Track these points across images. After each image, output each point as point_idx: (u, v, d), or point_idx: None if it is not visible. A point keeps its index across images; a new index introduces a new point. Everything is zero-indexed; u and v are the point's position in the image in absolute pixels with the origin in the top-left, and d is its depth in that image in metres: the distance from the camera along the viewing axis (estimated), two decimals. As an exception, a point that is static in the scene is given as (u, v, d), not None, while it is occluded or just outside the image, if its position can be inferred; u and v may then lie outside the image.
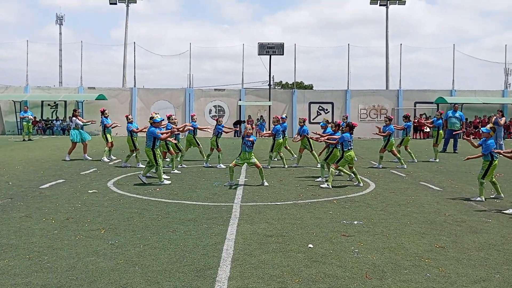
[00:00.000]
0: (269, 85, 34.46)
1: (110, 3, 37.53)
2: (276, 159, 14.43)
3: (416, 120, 31.07)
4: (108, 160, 14.30)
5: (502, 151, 8.51)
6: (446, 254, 5.26)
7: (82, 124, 14.97)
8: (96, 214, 7.13)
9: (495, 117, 18.26)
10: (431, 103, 32.52)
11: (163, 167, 11.22)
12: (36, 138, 26.87)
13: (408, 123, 14.97)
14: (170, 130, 11.14)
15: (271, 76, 34.60)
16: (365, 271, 4.67)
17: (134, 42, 35.99)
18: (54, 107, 33.59)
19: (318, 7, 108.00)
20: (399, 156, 13.57)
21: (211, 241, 5.67)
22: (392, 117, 14.78)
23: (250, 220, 6.79)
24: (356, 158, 14.22)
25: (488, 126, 8.77)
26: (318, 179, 10.83)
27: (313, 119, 32.82)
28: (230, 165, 10.11)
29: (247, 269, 4.69)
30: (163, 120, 11.42)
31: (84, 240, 5.68)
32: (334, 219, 6.95)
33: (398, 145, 14.59)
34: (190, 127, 13.71)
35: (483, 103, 31.84)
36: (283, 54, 33.49)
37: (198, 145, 13.93)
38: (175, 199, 8.37)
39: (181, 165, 13.05)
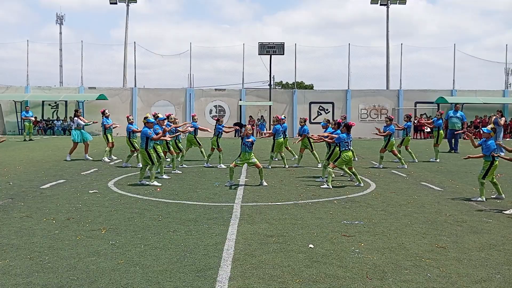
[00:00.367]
0: (270, 85, 34.47)
1: (110, 3, 37.52)
2: (276, 159, 14.43)
3: (416, 120, 31.07)
4: (109, 160, 14.30)
5: (502, 155, 8.52)
6: (447, 254, 5.26)
7: (84, 124, 14.94)
8: (96, 214, 7.14)
9: (494, 117, 18.25)
10: (432, 103, 32.50)
11: (164, 167, 11.25)
12: (37, 138, 26.89)
13: (408, 123, 14.99)
14: (161, 132, 10.85)
15: (272, 76, 34.63)
16: (365, 271, 4.67)
17: (135, 42, 36.00)
18: (55, 107, 33.61)
19: (318, 6, 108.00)
20: (400, 156, 13.57)
21: (212, 241, 5.67)
22: (392, 117, 14.77)
23: (251, 220, 6.79)
24: (356, 158, 14.23)
25: (489, 126, 8.76)
26: (318, 179, 10.83)
27: (313, 119, 32.81)
28: (231, 165, 10.12)
29: (248, 269, 4.69)
30: (165, 119, 11.42)
31: (84, 240, 5.68)
32: (335, 219, 6.95)
33: (398, 145, 14.61)
34: (191, 128, 13.73)
35: (484, 103, 31.81)
36: (283, 54, 33.49)
37: (200, 145, 13.95)
38: (175, 199, 8.38)
39: (182, 165, 13.06)
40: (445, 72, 61.43)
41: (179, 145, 12.86)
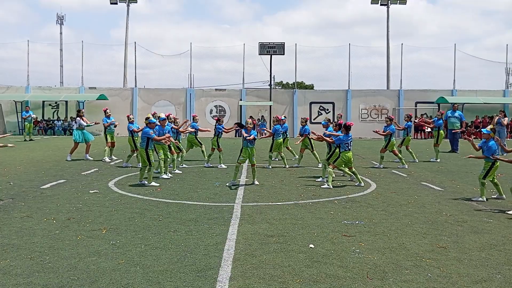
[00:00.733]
0: (270, 85, 34.47)
1: (111, 3, 37.53)
2: (277, 159, 14.43)
3: (417, 120, 31.06)
4: (109, 160, 14.31)
5: (502, 157, 8.52)
6: (447, 254, 5.26)
7: (86, 125, 14.90)
8: (97, 214, 7.14)
9: (497, 117, 18.24)
10: (432, 103, 32.49)
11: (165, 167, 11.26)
12: (37, 138, 26.90)
13: (409, 123, 14.98)
14: (167, 134, 10.90)
15: (272, 76, 34.62)
16: (366, 271, 4.67)
17: (135, 42, 36.00)
18: (55, 107, 33.63)
19: (318, 6, 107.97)
20: (400, 156, 13.57)
21: (212, 241, 5.67)
22: (393, 117, 14.75)
23: (251, 220, 6.79)
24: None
25: (489, 127, 8.75)
26: (319, 179, 10.83)
27: (314, 119, 32.80)
28: (236, 164, 10.26)
29: (248, 269, 4.69)
30: (164, 119, 11.39)
31: (85, 240, 5.68)
32: (335, 219, 6.95)
33: (399, 145, 14.62)
34: (191, 128, 13.75)
35: (484, 103, 31.80)
36: (283, 54, 33.48)
37: (201, 144, 13.97)
38: (176, 199, 8.38)
39: (182, 165, 13.06)
40: (446, 72, 61.31)
41: (179, 145, 12.88)
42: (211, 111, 33.60)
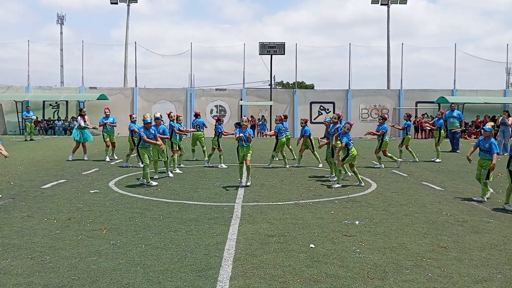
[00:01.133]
0: (270, 85, 34.47)
1: (111, 3, 37.55)
2: (277, 158, 14.43)
3: (417, 120, 31.06)
4: (109, 160, 14.30)
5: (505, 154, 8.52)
6: (448, 254, 5.26)
7: (83, 125, 14.76)
8: (97, 214, 7.14)
9: (502, 118, 18.24)
10: (433, 102, 32.49)
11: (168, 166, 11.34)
12: (37, 138, 26.90)
13: (408, 122, 14.96)
14: (157, 142, 10.30)
15: (272, 76, 34.63)
16: (366, 271, 4.67)
17: (135, 42, 36.03)
18: (56, 107, 33.64)
19: (319, 6, 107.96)
20: (390, 155, 13.50)
21: (213, 241, 5.67)
22: (386, 116, 14.71)
23: (252, 220, 6.79)
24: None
25: (489, 124, 8.70)
26: (331, 178, 10.78)
27: (314, 119, 32.81)
28: (239, 164, 10.11)
29: (249, 269, 4.69)
30: (159, 119, 10.85)
31: (85, 240, 5.68)
32: (336, 219, 6.94)
33: (399, 145, 14.63)
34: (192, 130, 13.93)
35: (485, 103, 31.78)
36: (284, 54, 33.49)
37: (203, 145, 14.12)
38: (176, 199, 8.38)
39: (180, 164, 13.08)
40: (446, 72, 61.29)
41: (180, 144, 12.92)
42: (211, 111, 33.61)
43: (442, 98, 31.84)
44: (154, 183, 9.89)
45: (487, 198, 8.46)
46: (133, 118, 13.64)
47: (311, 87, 53.31)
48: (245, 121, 10.01)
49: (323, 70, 71.43)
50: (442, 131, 15.89)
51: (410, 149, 14.85)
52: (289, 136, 14.53)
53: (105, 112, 14.86)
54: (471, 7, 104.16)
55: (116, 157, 14.94)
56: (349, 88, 34.01)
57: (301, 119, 14.06)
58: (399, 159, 13.44)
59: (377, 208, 7.77)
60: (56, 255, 5.10)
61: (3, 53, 74.46)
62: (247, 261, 4.94)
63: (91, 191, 9.10)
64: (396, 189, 9.71)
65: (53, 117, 33.53)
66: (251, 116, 32.70)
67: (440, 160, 15.07)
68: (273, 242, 5.65)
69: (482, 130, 8.84)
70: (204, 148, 14.27)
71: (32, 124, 24.47)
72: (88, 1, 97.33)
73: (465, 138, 14.91)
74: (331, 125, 11.62)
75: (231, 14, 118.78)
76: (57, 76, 43.69)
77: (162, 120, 11.80)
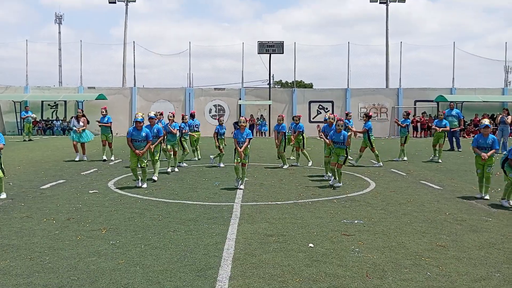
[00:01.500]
0: (269, 84, 34.47)
1: (109, 2, 37.48)
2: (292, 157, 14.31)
3: (419, 119, 31.08)
4: (105, 160, 14.26)
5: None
6: (447, 253, 5.27)
7: (74, 127, 14.46)
8: (97, 214, 7.15)
9: (501, 116, 18.26)
10: (431, 101, 32.51)
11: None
12: (36, 138, 26.87)
13: (407, 120, 14.90)
14: (138, 151, 9.62)
15: (271, 75, 34.62)
16: (365, 270, 4.69)
17: (134, 41, 35.97)
18: (54, 107, 33.60)
19: (318, 5, 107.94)
20: (362, 154, 13.60)
21: (212, 241, 5.68)
22: (370, 114, 14.74)
23: (251, 220, 6.80)
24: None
25: (487, 121, 8.74)
26: (328, 178, 10.65)
27: (313, 118, 32.83)
28: (235, 165, 9.54)
29: (248, 269, 4.70)
30: (153, 118, 10.54)
31: (85, 240, 5.69)
32: (335, 218, 6.96)
33: (402, 144, 14.70)
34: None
35: (483, 101, 31.82)
36: (283, 53, 33.46)
37: (196, 146, 14.22)
38: (175, 199, 8.39)
39: (180, 163, 13.09)
40: (445, 70, 61.56)
41: (184, 143, 13.03)
42: (210, 111, 33.61)
43: (440, 96, 31.86)
44: (145, 185, 9.61)
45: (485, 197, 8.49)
46: (185, 119, 13.64)
47: (310, 86, 53.32)
48: (243, 122, 9.59)
49: (322, 69, 71.42)
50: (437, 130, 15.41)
51: (403, 148, 14.84)
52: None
53: (101, 112, 14.83)
54: (471, 5, 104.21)
55: (112, 158, 14.74)
56: (348, 87, 34.02)
57: (294, 116, 13.96)
58: (379, 163, 13.38)
59: (376, 207, 7.79)
60: (55, 255, 5.10)
61: (1, 52, 74.44)
62: (246, 260, 4.95)
63: (90, 192, 9.10)
64: (394, 188, 9.73)
65: (52, 117, 33.48)
66: (251, 115, 32.71)
67: (440, 161, 14.87)
68: (272, 242, 5.66)
69: (480, 129, 8.84)
70: (195, 148, 14.54)
71: (31, 124, 24.43)
72: (87, 0, 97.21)
73: (464, 137, 14.92)
74: (325, 124, 11.57)
75: (230, 12, 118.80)
76: (56, 76, 43.64)
77: (160, 118, 11.75)
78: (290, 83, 47.69)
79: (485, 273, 4.64)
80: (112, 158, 14.77)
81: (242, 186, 9.48)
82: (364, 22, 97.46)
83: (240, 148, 9.35)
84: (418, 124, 31.25)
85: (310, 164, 13.38)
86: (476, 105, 32.09)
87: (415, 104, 33.16)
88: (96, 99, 31.71)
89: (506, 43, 34.42)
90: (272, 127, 13.47)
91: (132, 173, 10.06)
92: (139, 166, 9.69)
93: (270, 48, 32.95)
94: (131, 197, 8.60)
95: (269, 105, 32.87)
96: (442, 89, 33.38)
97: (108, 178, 10.88)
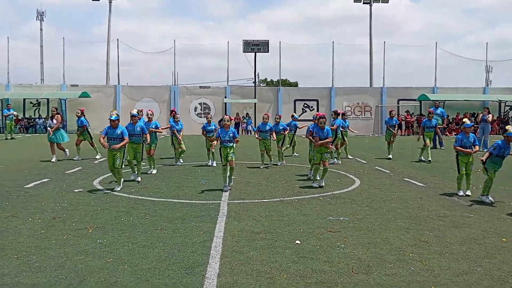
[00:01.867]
0: (254, 82, 34.51)
1: (93, 0, 37.05)
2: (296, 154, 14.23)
3: (403, 117, 31.46)
4: (77, 159, 14.02)
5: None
6: (429, 248, 5.41)
7: (49, 128, 14.16)
8: (83, 213, 7.11)
9: (482, 114, 18.61)
10: (414, 100, 32.97)
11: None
12: (18, 136, 26.44)
13: (393, 120, 15.12)
14: (108, 145, 9.20)
15: (257, 74, 34.66)
16: (351, 266, 4.78)
17: (118, 39, 35.57)
18: (37, 105, 33.10)
19: (302, 4, 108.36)
20: (340, 151, 13.82)
21: (200, 239, 5.71)
22: (340, 111, 14.84)
23: (238, 218, 6.85)
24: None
25: (467, 120, 9.03)
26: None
27: (299, 116, 32.97)
28: (223, 166, 9.23)
29: (236, 266, 4.76)
30: (135, 116, 10.34)
31: (72, 240, 5.67)
32: (321, 215, 7.05)
33: (389, 141, 14.97)
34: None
35: (465, 100, 32.40)
36: (268, 52, 33.51)
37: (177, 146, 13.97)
38: (162, 197, 8.39)
39: (180, 160, 13.29)
40: (427, 69, 62.26)
41: (174, 141, 13.10)
42: (195, 109, 33.50)
43: (423, 95, 32.33)
44: (118, 187, 9.19)
45: (466, 195, 8.68)
46: (144, 115, 13.31)
47: (295, 84, 53.54)
48: (227, 121, 9.28)
49: (307, 67, 71.82)
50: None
51: (392, 146, 15.10)
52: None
53: (76, 114, 14.69)
54: (453, 5, 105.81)
55: (97, 157, 14.56)
56: (333, 85, 34.27)
57: (276, 115, 14.05)
58: (339, 161, 13.57)
59: (360, 204, 7.91)
60: (42, 254, 5.08)
61: (-19, 50, 72.81)
62: (234, 258, 5.00)
63: (75, 190, 9.03)
64: (379, 185, 9.88)
65: (34, 115, 32.97)
66: (236, 114, 32.72)
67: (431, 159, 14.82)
68: (259, 239, 5.73)
69: (462, 127, 9.04)
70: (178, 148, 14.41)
71: (13, 122, 24.05)
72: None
73: (446, 135, 15.21)
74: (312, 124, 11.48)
75: (214, 10, 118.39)
76: (37, 73, 42.97)
77: (140, 117, 11.47)
78: (275, 81, 47.83)
79: (467, 268, 4.78)
80: (97, 156, 14.65)
81: (230, 184, 9.31)
82: (348, 22, 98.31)
83: (228, 146, 9.13)
84: (403, 123, 31.65)
85: (279, 163, 13.32)
86: (458, 104, 32.65)
87: (398, 103, 33.58)
88: (79, 97, 31.33)
89: (487, 43, 35.30)
90: (257, 126, 13.17)
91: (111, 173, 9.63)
92: (120, 165, 9.22)
93: (256, 46, 32.97)
94: (117, 195, 8.56)
95: (255, 103, 32.92)
96: (425, 88, 33.88)
97: (93, 177, 10.80)
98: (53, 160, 13.88)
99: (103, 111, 29.41)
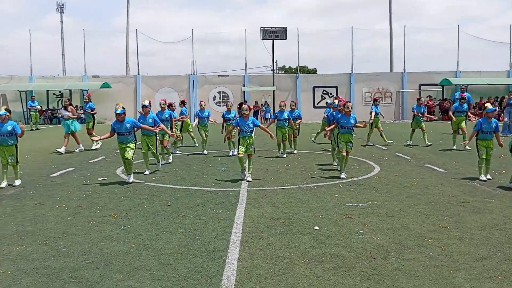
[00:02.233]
0: (273, 70, 34.40)
1: (112, -9, 37.31)
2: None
3: (426, 102, 30.98)
4: (79, 150, 14.05)
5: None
6: (449, 234, 5.40)
7: (66, 117, 14.09)
8: (107, 200, 7.32)
9: (507, 98, 18.21)
10: (436, 85, 32.36)
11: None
12: (43, 127, 27.10)
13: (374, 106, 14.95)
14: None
15: (275, 61, 34.53)
16: (369, 251, 4.83)
17: (136, 29, 35.85)
18: (60, 96, 33.77)
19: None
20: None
21: (220, 225, 5.83)
22: (339, 98, 14.61)
23: (257, 204, 6.95)
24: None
25: (490, 105, 8.95)
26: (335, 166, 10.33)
27: (317, 104, 32.81)
28: (239, 155, 8.99)
29: (256, 251, 4.86)
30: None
31: (97, 226, 5.87)
32: (339, 202, 7.09)
33: (370, 129, 14.74)
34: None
35: (488, 84, 31.64)
36: (286, 39, 33.26)
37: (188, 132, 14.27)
38: (183, 185, 8.54)
39: (204, 151, 13.28)
40: (449, 53, 60.64)
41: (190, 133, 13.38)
42: (214, 98, 33.66)
43: (445, 80, 31.70)
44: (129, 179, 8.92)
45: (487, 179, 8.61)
46: (173, 107, 13.26)
47: (314, 71, 53.11)
48: (246, 110, 9.01)
49: (326, 54, 70.98)
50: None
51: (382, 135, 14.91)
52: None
53: (84, 99, 14.97)
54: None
55: (94, 146, 14.52)
56: (352, 71, 33.89)
57: (291, 102, 13.43)
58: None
59: (380, 190, 7.91)
60: (69, 240, 5.28)
61: (5, 43, 74.36)
62: (253, 243, 5.11)
63: (99, 179, 9.28)
64: (399, 171, 9.83)
65: (57, 106, 33.66)
66: (255, 102, 32.73)
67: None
68: (278, 225, 5.81)
69: (484, 112, 8.95)
70: (192, 134, 14.83)
71: (37, 113, 24.68)
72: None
73: (469, 120, 14.95)
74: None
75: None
76: (59, 65, 43.60)
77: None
78: (293, 68, 47.56)
79: (487, 253, 4.77)
80: (94, 146, 14.44)
81: (249, 178, 8.90)
82: (367, 6, 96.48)
83: (247, 136, 8.92)
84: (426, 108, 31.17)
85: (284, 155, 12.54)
86: (481, 88, 31.91)
87: (419, 88, 33.02)
88: (100, 88, 31.83)
89: (510, 25, 34.06)
90: (275, 114, 12.87)
91: (124, 166, 9.20)
92: (125, 158, 8.83)
93: (273, 34, 32.75)
94: (140, 183, 8.76)
95: (273, 91, 32.86)
96: (447, 73, 33.17)
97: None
98: (61, 150, 13.61)
99: (124, 101, 29.69)
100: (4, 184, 8.57)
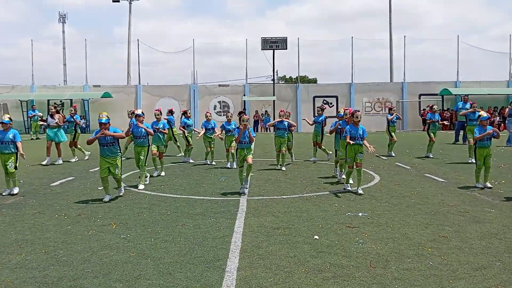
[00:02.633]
0: (273, 80, 34.55)
1: (113, 1, 37.70)
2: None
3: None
4: (74, 160, 14.01)
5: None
6: (449, 243, 5.40)
7: (52, 125, 13.99)
8: (106, 210, 7.32)
9: (508, 108, 18.26)
10: (436, 95, 32.47)
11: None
12: (43, 136, 27.12)
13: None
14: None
15: (275, 71, 34.69)
16: (369, 260, 4.82)
17: (138, 39, 36.10)
18: (61, 105, 33.86)
19: (320, 0, 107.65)
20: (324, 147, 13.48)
21: (220, 234, 5.83)
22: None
23: (257, 214, 6.94)
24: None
25: (484, 113, 9.06)
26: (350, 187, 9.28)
27: (317, 113, 32.88)
28: (238, 169, 8.81)
29: (255, 260, 4.85)
30: (140, 116, 9.64)
31: (96, 235, 5.86)
32: (339, 211, 7.09)
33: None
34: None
35: (488, 94, 31.74)
36: (286, 49, 33.51)
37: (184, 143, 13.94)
38: (183, 194, 8.55)
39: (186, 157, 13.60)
40: (449, 63, 61.02)
41: (189, 138, 13.26)
42: (215, 107, 33.76)
43: (445, 90, 31.83)
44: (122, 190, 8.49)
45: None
46: (188, 114, 13.44)
47: (314, 81, 53.32)
48: (246, 120, 8.73)
49: (326, 64, 71.44)
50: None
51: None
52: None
53: (70, 111, 14.97)
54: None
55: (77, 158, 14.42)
56: (352, 81, 34.04)
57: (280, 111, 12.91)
58: (330, 152, 13.09)
59: (380, 200, 7.91)
60: (68, 249, 5.28)
61: (6, 52, 74.80)
62: (253, 252, 5.10)
63: (99, 188, 9.28)
64: (399, 181, 9.84)
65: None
66: (256, 111, 32.84)
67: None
68: (278, 234, 5.81)
69: (479, 121, 9.09)
70: (178, 144, 14.94)
71: (38, 123, 24.78)
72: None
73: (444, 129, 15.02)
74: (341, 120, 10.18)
75: (233, 9, 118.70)
76: (60, 74, 43.85)
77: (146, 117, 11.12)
78: (294, 78, 47.74)
79: (486, 262, 4.76)
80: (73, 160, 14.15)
81: (246, 186, 8.77)
82: (367, 16, 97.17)
83: (245, 148, 8.69)
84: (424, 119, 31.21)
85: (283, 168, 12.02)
86: (481, 98, 32.01)
87: (419, 98, 33.14)
88: (101, 97, 31.95)
89: (510, 35, 34.28)
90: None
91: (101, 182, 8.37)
92: (114, 176, 8.21)
93: (274, 44, 32.99)
94: (139, 192, 8.77)
95: (273, 101, 32.97)
96: (447, 83, 33.34)
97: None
98: (44, 162, 13.23)
99: (124, 111, 29.86)
100: (16, 190, 8.78)
